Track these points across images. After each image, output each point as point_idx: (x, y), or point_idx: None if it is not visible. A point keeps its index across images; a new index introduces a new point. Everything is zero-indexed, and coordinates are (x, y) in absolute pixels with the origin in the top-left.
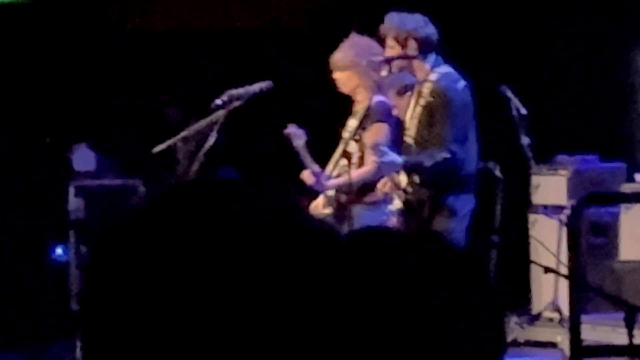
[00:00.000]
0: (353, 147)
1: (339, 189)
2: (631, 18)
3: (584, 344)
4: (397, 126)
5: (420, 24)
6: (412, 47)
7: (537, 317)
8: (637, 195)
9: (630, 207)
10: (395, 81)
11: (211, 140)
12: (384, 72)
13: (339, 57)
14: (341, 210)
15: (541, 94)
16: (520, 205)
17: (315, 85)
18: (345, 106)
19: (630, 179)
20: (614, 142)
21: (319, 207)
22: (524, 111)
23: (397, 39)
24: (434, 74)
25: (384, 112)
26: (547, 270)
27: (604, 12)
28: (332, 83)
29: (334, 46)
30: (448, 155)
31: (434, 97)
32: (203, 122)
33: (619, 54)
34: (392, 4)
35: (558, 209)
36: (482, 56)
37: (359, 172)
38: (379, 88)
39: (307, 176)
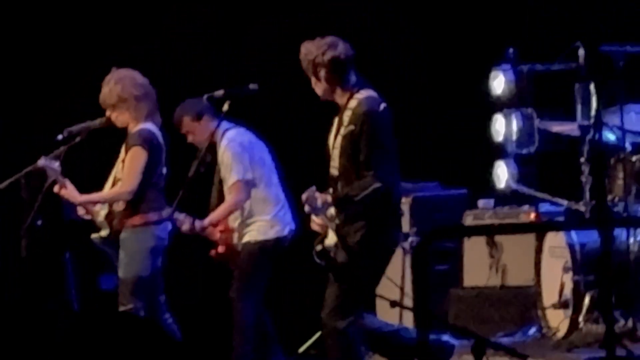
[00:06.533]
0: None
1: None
2: (476, 45)
3: None
4: (158, 152)
5: (323, 49)
6: (322, 75)
7: None
8: (481, 228)
9: None
10: (191, 107)
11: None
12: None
13: (105, 94)
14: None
15: None
16: None
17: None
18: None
19: (474, 206)
20: (456, 170)
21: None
22: None
23: (308, 72)
24: (353, 100)
25: (138, 137)
26: (393, 304)
27: (448, 41)
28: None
29: None
30: (378, 185)
31: (354, 124)
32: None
33: (461, 83)
34: None
35: (402, 236)
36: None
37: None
38: (149, 117)
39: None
